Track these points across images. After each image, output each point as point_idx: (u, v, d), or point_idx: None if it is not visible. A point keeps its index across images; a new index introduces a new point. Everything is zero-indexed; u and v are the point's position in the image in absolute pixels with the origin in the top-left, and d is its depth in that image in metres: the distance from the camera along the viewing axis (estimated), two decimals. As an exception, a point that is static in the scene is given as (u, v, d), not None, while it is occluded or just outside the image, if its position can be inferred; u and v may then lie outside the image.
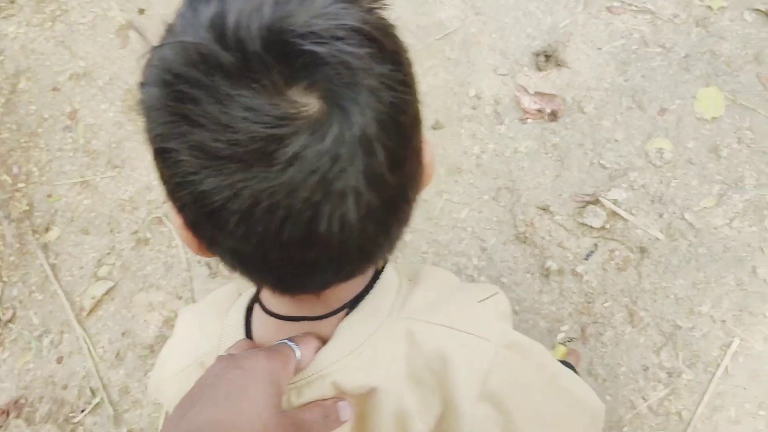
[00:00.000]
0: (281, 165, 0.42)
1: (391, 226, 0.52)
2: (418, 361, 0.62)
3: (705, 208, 1.70)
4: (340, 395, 0.62)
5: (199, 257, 1.83)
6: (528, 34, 1.99)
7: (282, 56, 0.42)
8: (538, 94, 1.90)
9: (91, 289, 1.92)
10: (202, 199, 0.45)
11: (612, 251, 1.71)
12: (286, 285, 0.55)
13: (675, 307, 1.64)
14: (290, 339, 0.60)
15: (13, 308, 1.95)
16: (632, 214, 1.72)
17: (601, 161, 1.79)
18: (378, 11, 0.48)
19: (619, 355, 1.63)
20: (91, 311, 1.90)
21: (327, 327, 0.63)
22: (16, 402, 1.83)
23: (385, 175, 0.47)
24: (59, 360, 1.86)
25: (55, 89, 2.23)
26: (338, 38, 0.43)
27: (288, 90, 0.42)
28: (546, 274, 1.72)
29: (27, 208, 2.08)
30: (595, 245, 1.72)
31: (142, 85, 0.46)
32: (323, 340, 0.62)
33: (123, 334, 1.87)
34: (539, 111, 1.88)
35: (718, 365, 1.57)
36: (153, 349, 1.83)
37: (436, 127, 1.93)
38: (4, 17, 2.36)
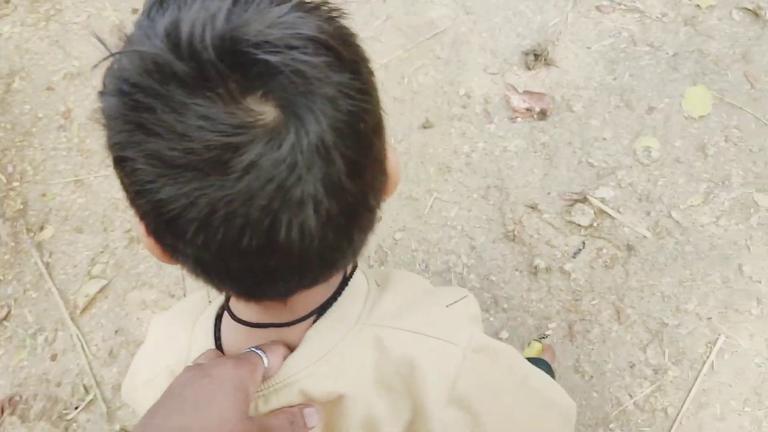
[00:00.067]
0: (237, 173, 0.43)
1: (352, 233, 0.52)
2: (386, 367, 0.62)
3: (692, 206, 1.71)
4: (307, 402, 0.62)
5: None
6: (518, 34, 2.00)
7: (237, 65, 0.42)
8: (527, 93, 1.91)
9: (84, 288, 1.94)
10: (159, 207, 0.45)
11: (599, 249, 1.72)
12: (249, 292, 0.55)
13: (661, 305, 1.65)
14: (258, 347, 0.60)
15: (8, 306, 1.97)
16: (620, 212, 1.73)
17: (590, 160, 1.80)
18: (338, 20, 0.49)
19: (605, 353, 1.64)
20: (84, 309, 1.92)
21: (295, 334, 0.63)
22: (10, 399, 1.84)
23: (344, 183, 0.47)
24: (53, 357, 1.88)
25: (49, 89, 2.24)
26: (293, 47, 0.43)
27: (244, 99, 0.43)
28: (534, 272, 1.73)
29: (21, 206, 2.09)
30: (583, 243, 1.73)
31: (101, 93, 0.47)
32: (291, 348, 0.62)
33: (116, 331, 1.88)
34: (528, 110, 1.89)
35: (704, 362, 1.59)
36: (146, 347, 1.84)
37: (427, 126, 1.94)
38: (-2, 17, 2.38)
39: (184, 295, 1.89)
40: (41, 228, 2.06)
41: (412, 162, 1.92)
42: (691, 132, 1.78)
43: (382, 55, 2.08)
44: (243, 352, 0.59)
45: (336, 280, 0.65)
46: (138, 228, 0.51)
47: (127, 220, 2.01)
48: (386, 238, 1.86)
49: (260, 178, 0.43)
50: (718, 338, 1.60)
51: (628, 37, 1.92)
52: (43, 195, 2.10)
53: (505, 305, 1.73)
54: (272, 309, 0.61)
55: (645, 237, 1.70)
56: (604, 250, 1.72)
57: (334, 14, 0.48)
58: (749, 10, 1.87)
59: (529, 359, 1.41)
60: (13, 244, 2.04)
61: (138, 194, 0.47)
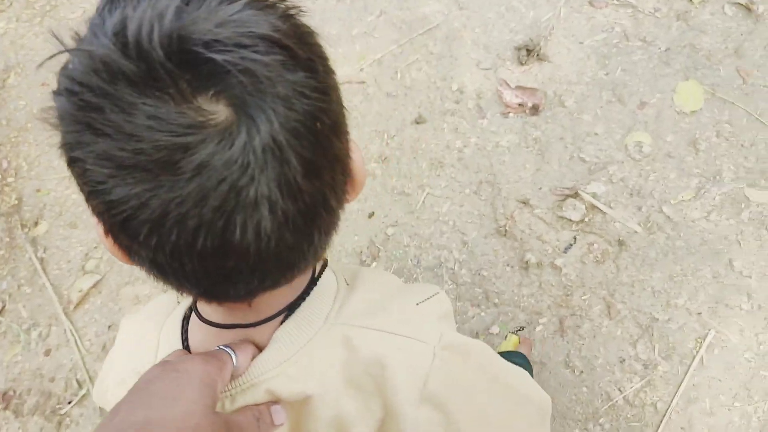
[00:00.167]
0: (188, 174, 0.42)
1: (312, 234, 0.51)
2: (356, 366, 0.62)
3: (683, 201, 1.71)
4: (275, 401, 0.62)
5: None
6: (511, 29, 2.00)
7: (187, 64, 0.41)
8: (519, 88, 1.91)
9: (78, 283, 1.95)
10: (111, 208, 0.45)
11: (590, 244, 1.72)
12: (209, 294, 0.55)
13: (652, 300, 1.65)
14: (228, 345, 0.60)
15: (3, 301, 1.98)
16: (611, 207, 1.73)
17: (581, 155, 1.80)
18: (295, 18, 0.48)
19: (596, 347, 1.64)
20: (78, 304, 1.92)
21: (263, 334, 0.62)
22: (4, 394, 1.85)
23: (301, 184, 0.46)
24: (47, 352, 1.89)
25: (44, 84, 2.25)
26: (243, 46, 0.42)
27: (195, 98, 0.42)
28: (525, 267, 1.74)
29: (16, 202, 2.10)
30: (574, 238, 1.74)
31: (54, 93, 0.46)
32: (260, 348, 0.62)
33: (109, 327, 1.89)
34: (521, 105, 1.89)
35: (694, 357, 1.59)
36: (139, 342, 1.85)
37: (419, 121, 1.95)
38: (-7, 13, 2.38)
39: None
40: (36, 223, 2.07)
41: (404, 157, 1.92)
42: (682, 127, 1.78)
43: (375, 51, 2.08)
44: (212, 350, 0.59)
45: (304, 279, 0.65)
46: (97, 229, 0.51)
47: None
48: (378, 233, 1.86)
49: (212, 178, 0.43)
50: (708, 333, 1.60)
51: (620, 32, 1.92)
52: (38, 190, 2.11)
53: (496, 300, 1.73)
54: (237, 310, 0.61)
55: (636, 232, 1.70)
56: (595, 245, 1.72)
57: (291, 11, 0.48)
58: (741, 5, 1.86)
59: (506, 352, 1.42)
60: (7, 239, 2.05)
61: (91, 195, 0.46)
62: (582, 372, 1.63)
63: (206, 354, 0.57)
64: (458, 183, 1.86)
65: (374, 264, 1.83)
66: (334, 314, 0.64)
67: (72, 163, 0.47)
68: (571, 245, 1.73)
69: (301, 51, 0.46)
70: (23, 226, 2.06)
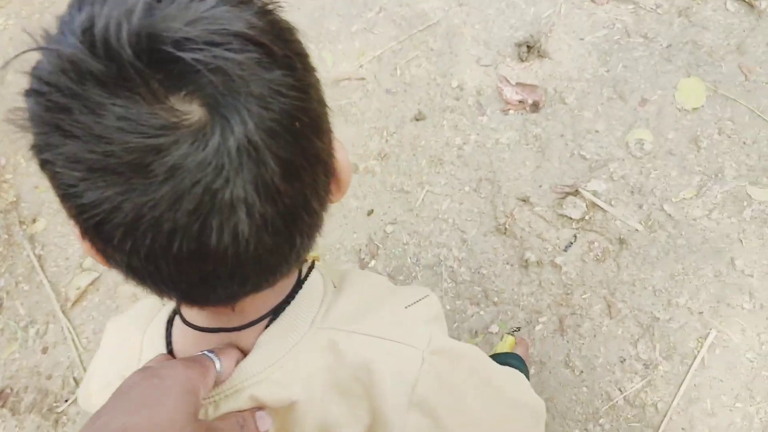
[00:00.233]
0: (161, 177, 0.41)
1: (293, 237, 0.50)
2: (343, 371, 0.61)
3: (684, 199, 1.70)
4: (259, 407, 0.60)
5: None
6: (511, 25, 1.98)
7: (157, 64, 0.40)
8: (520, 84, 1.89)
9: (76, 280, 1.94)
10: (83, 212, 0.44)
11: (591, 243, 1.71)
12: (188, 298, 0.54)
13: (653, 299, 1.63)
14: (211, 350, 0.58)
15: (0, 299, 1.97)
16: (612, 205, 1.72)
17: (582, 152, 1.79)
18: (272, 14, 0.46)
19: (596, 347, 1.63)
20: (75, 302, 1.92)
21: (248, 338, 0.61)
22: (1, 392, 1.85)
23: (279, 185, 0.45)
24: (44, 350, 1.88)
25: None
26: (215, 44, 0.41)
27: (168, 98, 0.41)
28: (525, 265, 1.72)
29: (14, 199, 2.09)
30: (575, 236, 1.72)
31: (24, 94, 0.45)
32: (245, 352, 0.60)
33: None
34: (521, 102, 1.88)
35: (695, 357, 1.57)
36: (136, 340, 1.85)
37: (419, 118, 1.93)
38: (-8, 9, 2.38)
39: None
40: (34, 220, 2.06)
41: (404, 154, 1.91)
42: (684, 124, 1.76)
43: (375, 47, 2.06)
44: (195, 355, 0.58)
45: (289, 282, 0.63)
46: (74, 231, 0.50)
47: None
48: (377, 231, 1.85)
49: (186, 181, 0.41)
50: (709, 333, 1.58)
51: (621, 28, 1.90)
52: (36, 187, 2.10)
53: (496, 299, 1.71)
54: (220, 314, 0.59)
55: (637, 230, 1.69)
56: (596, 244, 1.70)
57: (269, 8, 0.46)
58: (744, 1, 1.84)
59: (503, 353, 1.40)
60: (5, 236, 2.04)
61: (64, 198, 0.45)
62: (582, 372, 1.61)
63: (189, 359, 0.56)
64: (458, 180, 1.85)
65: (373, 262, 1.82)
66: (321, 318, 0.62)
67: (42, 165, 0.45)
68: (572, 243, 1.72)
69: (278, 48, 0.44)
70: (21, 223, 2.06)
